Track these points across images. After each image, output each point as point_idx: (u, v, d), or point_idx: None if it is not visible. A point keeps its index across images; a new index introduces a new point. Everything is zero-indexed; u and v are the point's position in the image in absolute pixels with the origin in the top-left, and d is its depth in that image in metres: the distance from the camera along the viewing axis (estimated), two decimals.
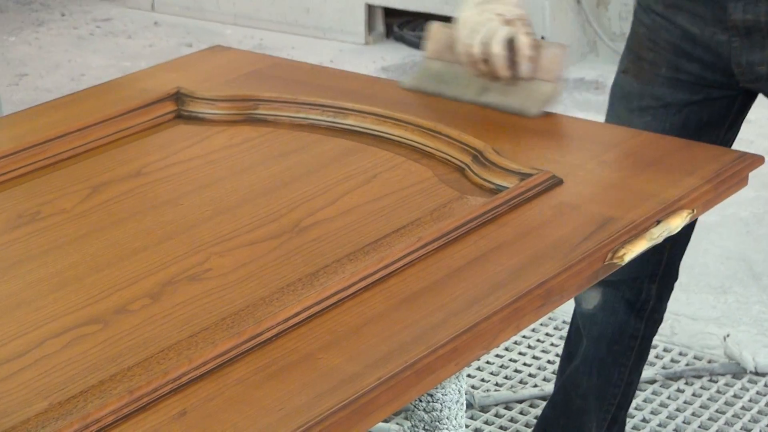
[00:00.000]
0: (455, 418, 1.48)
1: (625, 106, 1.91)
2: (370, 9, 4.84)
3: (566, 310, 2.86)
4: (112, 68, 4.55)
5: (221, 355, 1.15)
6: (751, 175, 1.54)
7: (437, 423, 1.47)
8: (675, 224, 1.38)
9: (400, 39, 4.85)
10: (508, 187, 1.45)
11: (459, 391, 1.48)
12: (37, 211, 1.47)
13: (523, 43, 1.64)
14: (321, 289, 1.25)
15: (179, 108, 1.72)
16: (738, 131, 1.95)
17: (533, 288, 1.25)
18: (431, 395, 1.46)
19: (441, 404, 1.46)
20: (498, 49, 1.63)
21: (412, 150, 1.59)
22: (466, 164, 1.52)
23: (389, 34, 4.93)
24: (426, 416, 1.47)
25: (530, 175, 1.46)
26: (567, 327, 2.80)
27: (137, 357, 1.17)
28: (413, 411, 1.48)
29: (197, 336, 1.19)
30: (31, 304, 1.27)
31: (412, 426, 1.49)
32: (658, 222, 1.38)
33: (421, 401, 1.47)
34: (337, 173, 1.54)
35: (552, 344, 2.81)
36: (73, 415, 1.07)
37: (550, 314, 2.88)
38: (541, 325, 2.87)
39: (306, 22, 4.84)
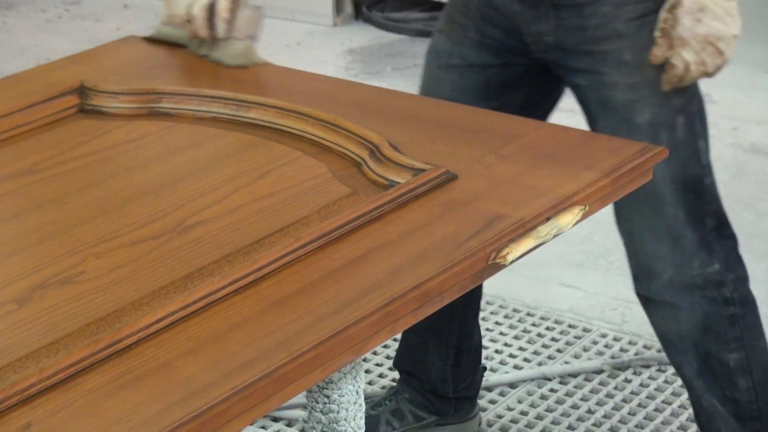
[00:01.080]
0: (353, 420, 1.45)
1: (435, 62, 2.08)
2: None
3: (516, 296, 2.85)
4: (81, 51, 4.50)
5: (75, 363, 1.12)
6: None
7: (335, 425, 1.44)
8: (565, 221, 1.34)
9: (369, 20, 4.80)
10: (400, 183, 1.41)
11: (357, 392, 1.45)
12: None
13: (221, 6, 1.79)
14: (188, 293, 1.21)
15: (82, 102, 1.69)
16: (552, 106, 2.12)
17: (408, 290, 1.22)
18: (327, 396, 1.43)
19: (338, 405, 1.43)
20: (196, 12, 1.79)
21: (311, 144, 1.56)
22: (363, 159, 1.49)
23: (358, 15, 4.88)
24: (323, 417, 1.44)
25: (423, 170, 1.43)
26: (517, 315, 2.79)
27: None
28: (310, 412, 1.45)
29: (58, 343, 1.16)
30: None
31: (310, 428, 1.47)
32: (548, 219, 1.34)
33: (317, 402, 1.44)
34: (230, 169, 1.51)
35: (501, 333, 2.78)
36: None
37: (500, 302, 2.86)
38: (491, 313, 2.84)
39: (273, 3, 4.79)
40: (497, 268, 1.30)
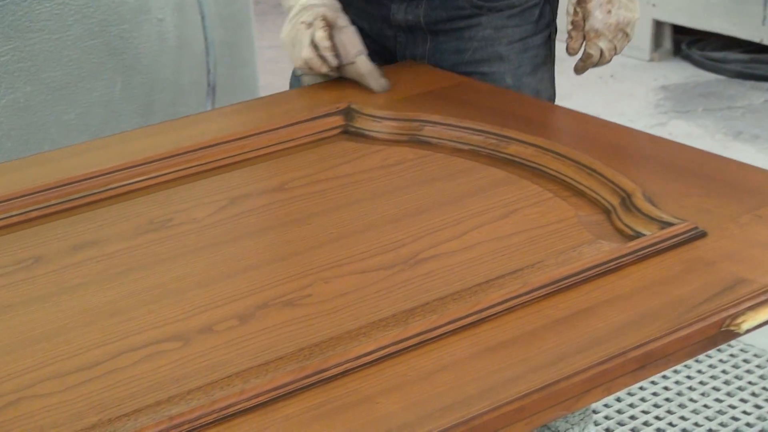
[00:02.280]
0: None
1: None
2: (658, 25, 4.69)
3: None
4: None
5: (278, 388, 1.12)
6: None
7: None
8: None
9: (687, 58, 4.67)
10: (645, 235, 1.35)
11: None
12: (170, 218, 1.49)
13: (319, 37, 1.81)
14: (404, 328, 1.20)
15: (347, 123, 1.71)
16: None
17: (630, 349, 1.16)
18: None
19: None
20: (306, 54, 1.82)
21: (564, 186, 1.51)
22: (613, 207, 1.44)
23: (676, 52, 4.76)
24: None
25: (672, 224, 1.36)
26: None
27: (202, 380, 1.16)
28: None
29: (268, 365, 1.17)
30: (124, 314, 1.29)
31: None
32: None
33: None
34: (476, 205, 1.48)
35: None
36: None
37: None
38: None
39: None
40: (730, 335, 1.22)
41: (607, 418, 2.55)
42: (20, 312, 1.31)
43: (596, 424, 2.48)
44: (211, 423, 1.09)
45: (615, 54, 1.94)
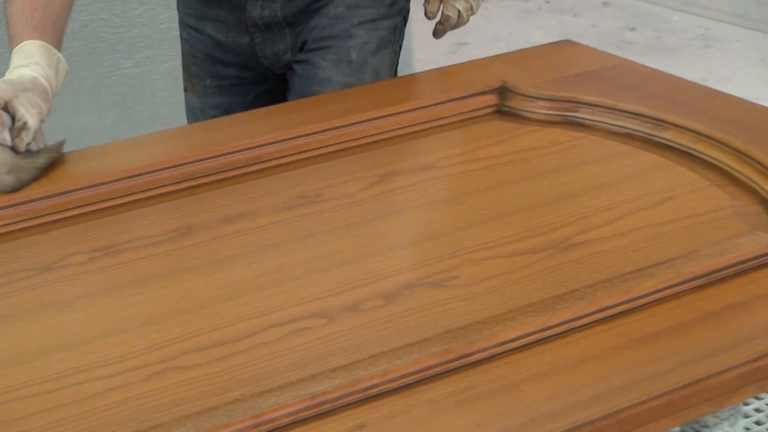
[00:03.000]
0: None
1: (194, 122, 2.00)
2: None
3: None
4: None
5: (422, 370, 1.11)
6: None
7: None
8: None
9: None
10: None
11: None
12: (319, 193, 1.49)
13: None
14: (551, 315, 1.18)
15: (500, 102, 1.69)
16: None
17: None
18: None
19: None
20: None
21: (721, 174, 1.47)
22: None
23: None
24: None
25: None
26: None
27: (346, 359, 1.15)
28: None
29: (412, 347, 1.16)
30: (270, 288, 1.29)
31: None
32: None
33: None
34: (630, 190, 1.45)
35: None
36: (253, 410, 1.07)
37: None
38: None
39: (756, 16, 4.60)
40: None
41: (757, 410, 2.48)
42: (168, 282, 1.33)
43: (746, 416, 2.42)
44: (353, 403, 1.08)
45: (472, 14, 1.95)
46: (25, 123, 1.53)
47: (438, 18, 1.91)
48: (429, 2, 1.91)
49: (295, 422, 1.07)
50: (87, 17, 3.09)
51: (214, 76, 2.00)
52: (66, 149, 1.62)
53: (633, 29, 4.72)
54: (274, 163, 1.57)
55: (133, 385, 1.14)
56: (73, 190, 1.51)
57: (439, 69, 1.94)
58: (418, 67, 3.73)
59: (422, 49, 4.09)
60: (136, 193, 1.52)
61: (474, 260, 1.32)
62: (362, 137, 1.63)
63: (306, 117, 1.68)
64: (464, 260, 1.32)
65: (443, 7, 1.91)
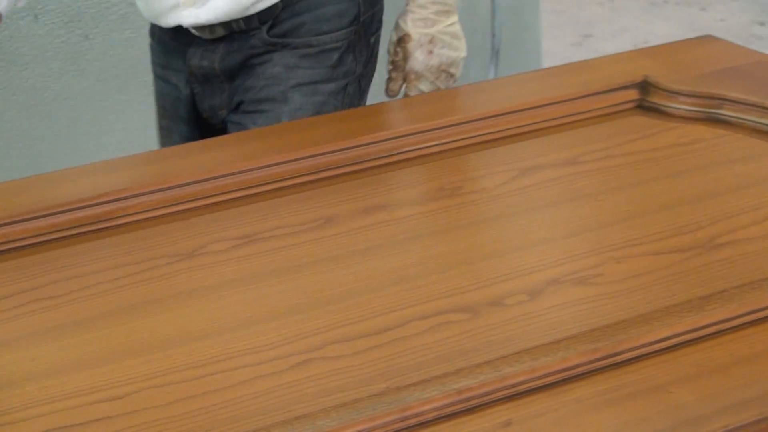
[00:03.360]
0: None
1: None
2: None
3: None
4: (677, 38, 4.50)
5: (569, 369, 1.11)
6: None
7: None
8: None
9: None
10: None
11: None
12: (459, 186, 1.49)
13: None
14: (700, 316, 1.16)
15: (641, 98, 1.67)
16: None
17: None
18: None
19: None
20: None
21: None
22: None
23: None
24: None
25: None
26: None
27: (490, 354, 1.15)
28: None
29: (558, 344, 1.15)
30: (413, 281, 1.29)
31: None
32: None
33: None
34: None
35: None
36: (399, 403, 1.07)
37: None
38: None
39: None
40: None
41: None
42: (310, 272, 1.33)
43: None
44: (499, 399, 1.08)
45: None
46: None
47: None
48: (392, 80, 1.81)
49: (441, 417, 1.07)
50: None
51: (177, 132, 1.94)
52: None
53: (762, 24, 4.63)
54: (414, 154, 1.57)
55: (278, 374, 1.14)
56: (215, 177, 1.52)
57: (579, 62, 1.92)
58: (545, 58, 3.71)
59: (547, 41, 4.06)
60: (276, 182, 1.53)
61: (618, 258, 1.30)
62: (502, 130, 1.62)
63: (446, 109, 1.67)
64: (608, 258, 1.30)
65: (406, 87, 1.81)
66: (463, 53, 1.81)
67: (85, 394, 1.13)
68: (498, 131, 1.62)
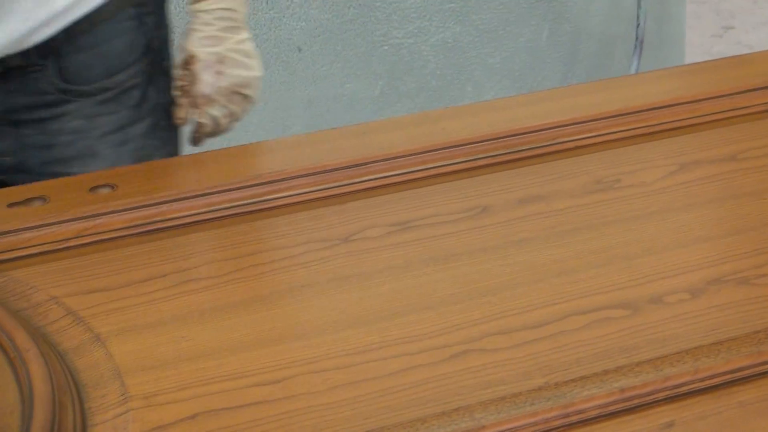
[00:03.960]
0: None
1: None
2: None
3: None
4: None
5: (733, 371, 1.09)
6: None
7: None
8: None
9: None
10: None
11: None
12: (617, 179, 1.47)
13: None
14: None
15: None
16: None
17: None
18: None
19: None
20: None
21: None
22: None
23: None
24: None
25: None
26: None
27: (651, 353, 1.14)
28: None
29: (720, 345, 1.14)
30: (571, 274, 1.28)
31: None
32: None
33: None
34: None
35: None
36: (559, 399, 1.06)
37: None
38: None
39: None
40: None
41: None
42: (467, 262, 1.33)
43: None
44: (662, 400, 1.07)
45: (236, 120, 1.68)
46: None
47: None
48: (179, 106, 1.65)
49: (602, 416, 1.06)
50: None
51: None
52: (337, 117, 1.64)
53: None
54: (571, 144, 1.55)
55: (435, 364, 1.14)
56: (370, 162, 1.52)
57: (736, 57, 1.89)
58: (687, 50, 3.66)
59: (687, 31, 4.01)
60: (431, 168, 1.52)
61: None
62: (661, 123, 1.60)
63: (606, 99, 1.66)
64: None
65: (198, 113, 1.65)
66: (257, 72, 1.66)
67: (239, 377, 1.15)
68: (656, 124, 1.60)
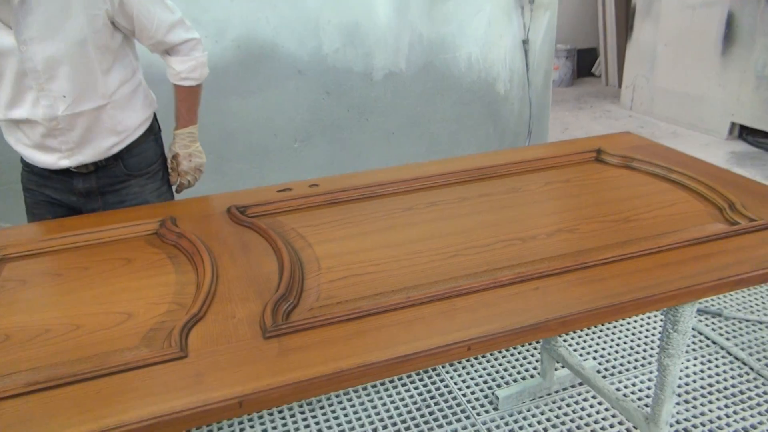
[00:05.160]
0: None
1: None
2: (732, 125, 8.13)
3: None
4: None
5: (563, 268, 2.66)
6: None
7: None
8: None
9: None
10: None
11: None
12: (520, 186, 2.93)
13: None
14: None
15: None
16: None
17: None
18: None
19: None
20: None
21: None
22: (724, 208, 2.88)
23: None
24: None
25: (755, 220, 2.83)
26: None
27: (529, 260, 2.65)
28: None
29: (563, 258, 2.64)
30: (498, 227, 2.71)
31: None
32: None
33: None
34: None
35: None
36: (492, 274, 2.55)
37: None
38: None
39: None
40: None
41: None
42: (455, 220, 2.74)
43: None
44: (533, 278, 2.36)
45: (196, 181, 3.24)
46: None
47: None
48: (173, 177, 3.23)
49: (512, 283, 2.39)
50: None
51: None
52: None
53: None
54: (507, 171, 3.12)
55: (443, 259, 2.51)
56: (420, 178, 3.06)
57: (569, 140, 3.56)
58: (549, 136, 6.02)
59: (549, 129, 6.65)
60: (438, 182, 3.05)
61: None
62: (535, 160, 3.11)
63: (515, 155, 3.36)
64: None
65: (180, 179, 3.24)
66: (204, 159, 3.23)
67: (369, 262, 2.48)
68: (533, 162, 3.13)
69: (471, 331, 2.10)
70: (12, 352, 2.18)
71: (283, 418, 3.75)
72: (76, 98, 2.81)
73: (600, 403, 3.66)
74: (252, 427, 3.68)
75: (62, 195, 3.00)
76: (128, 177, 3.04)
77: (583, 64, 11.48)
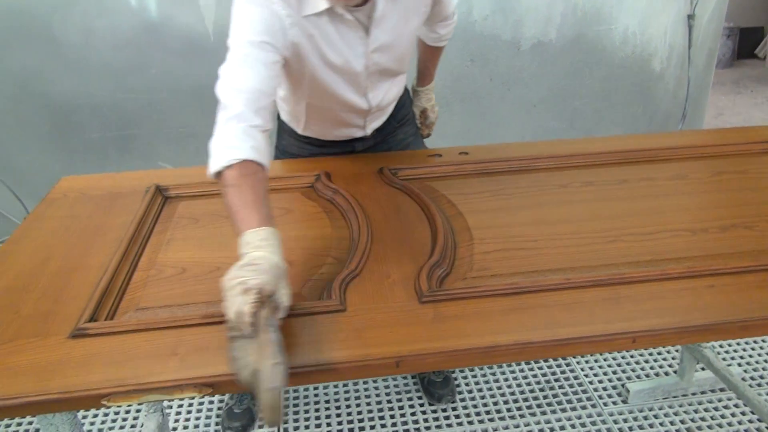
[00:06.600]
0: None
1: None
2: None
3: None
4: None
5: (709, 269, 2.59)
6: None
7: None
8: None
9: None
10: None
11: None
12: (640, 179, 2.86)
13: (245, 310, 1.82)
14: None
15: None
16: None
17: None
18: None
19: None
20: (229, 316, 1.83)
21: None
22: None
23: None
24: None
25: None
26: None
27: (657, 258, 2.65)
28: None
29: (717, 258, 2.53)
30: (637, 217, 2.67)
31: None
32: None
33: None
34: None
35: None
36: (660, 264, 2.57)
37: None
38: None
39: None
40: None
41: None
42: (606, 204, 2.66)
43: None
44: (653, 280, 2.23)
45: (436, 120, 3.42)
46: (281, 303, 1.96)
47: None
48: (423, 128, 3.48)
49: (645, 280, 2.23)
50: None
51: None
52: None
53: None
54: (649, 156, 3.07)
55: (606, 243, 2.42)
56: (568, 156, 3.05)
57: (724, 129, 3.25)
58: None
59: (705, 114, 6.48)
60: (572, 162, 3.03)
61: None
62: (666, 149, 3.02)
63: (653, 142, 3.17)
64: None
65: (426, 127, 3.46)
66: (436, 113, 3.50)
67: (523, 238, 2.52)
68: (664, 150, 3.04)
69: (637, 323, 2.07)
70: (188, 285, 2.34)
71: (405, 377, 3.76)
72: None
73: (743, 413, 3.56)
74: (375, 381, 3.65)
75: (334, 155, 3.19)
76: (397, 124, 3.26)
77: (745, 44, 10.67)
